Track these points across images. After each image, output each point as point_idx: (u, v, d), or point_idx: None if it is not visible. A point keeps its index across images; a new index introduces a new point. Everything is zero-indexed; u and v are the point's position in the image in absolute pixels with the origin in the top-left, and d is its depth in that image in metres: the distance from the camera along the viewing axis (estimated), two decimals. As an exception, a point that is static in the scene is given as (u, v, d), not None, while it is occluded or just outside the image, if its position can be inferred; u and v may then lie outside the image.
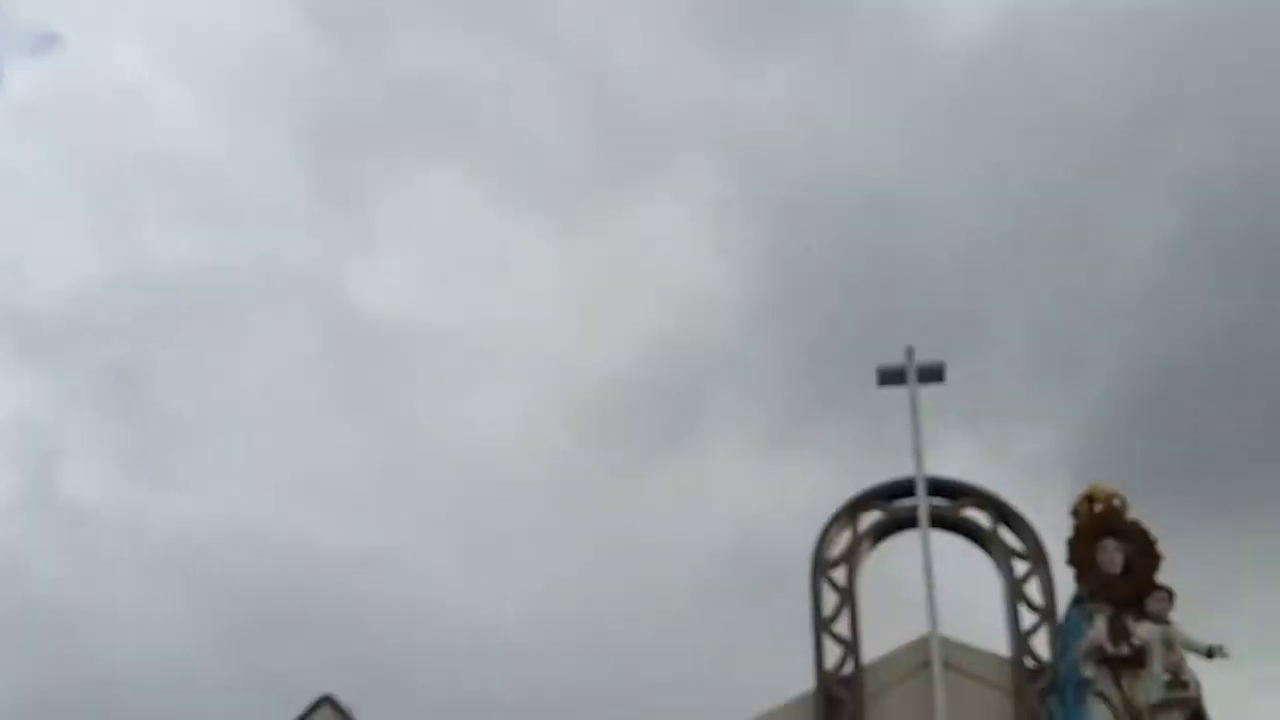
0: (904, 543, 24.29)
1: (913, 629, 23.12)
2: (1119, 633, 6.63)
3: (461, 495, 61.60)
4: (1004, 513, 22.67)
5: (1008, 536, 22.64)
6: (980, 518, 23.11)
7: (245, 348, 59.44)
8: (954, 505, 23.54)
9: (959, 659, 21.70)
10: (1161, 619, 6.66)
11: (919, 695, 22.10)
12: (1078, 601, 6.94)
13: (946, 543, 24.09)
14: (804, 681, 22.67)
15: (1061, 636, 6.72)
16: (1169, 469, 59.00)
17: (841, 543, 23.72)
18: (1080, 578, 7.01)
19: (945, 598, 23.15)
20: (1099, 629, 6.59)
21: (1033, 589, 21.20)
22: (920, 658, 22.57)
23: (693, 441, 62.71)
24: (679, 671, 57.84)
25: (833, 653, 22.57)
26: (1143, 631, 6.59)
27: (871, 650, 23.20)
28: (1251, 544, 57.43)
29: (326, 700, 23.16)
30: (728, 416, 59.25)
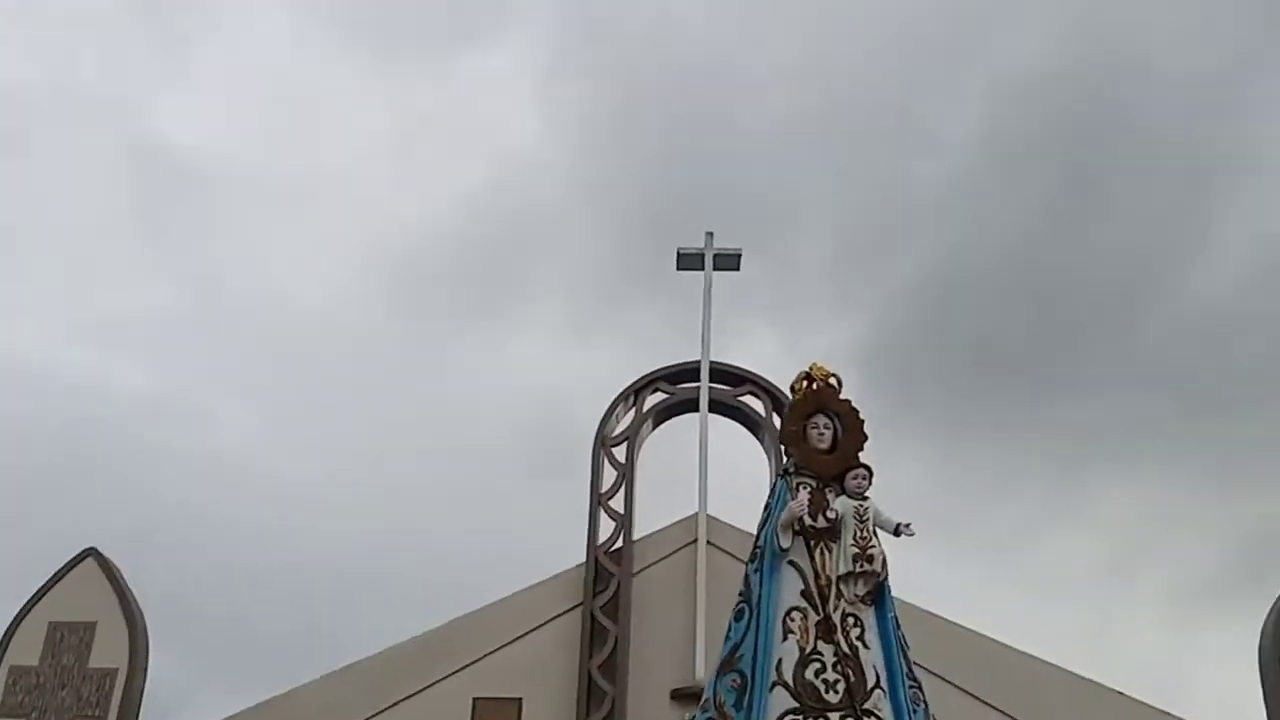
0: (686, 424, 25.08)
1: (687, 508, 24.05)
2: (818, 505, 7.04)
3: (263, 349, 60.09)
4: (778, 401, 23.53)
5: (779, 424, 23.53)
6: (757, 405, 24.02)
7: (34, 170, 55.88)
8: (733, 391, 24.33)
9: (723, 538, 22.58)
10: (858, 495, 7.10)
11: (683, 570, 23.08)
12: (785, 474, 7.36)
13: (725, 427, 25.00)
14: (580, 554, 23.37)
15: (766, 507, 7.13)
16: (956, 368, 62.39)
17: (625, 421, 24.31)
18: (790, 451, 7.41)
19: (719, 480, 24.13)
20: (800, 500, 7.00)
21: (799, 477, 22.23)
22: (688, 535, 23.52)
23: (502, 313, 62.70)
24: (466, 541, 58.65)
25: (607, 527, 23.30)
26: (839, 506, 7.02)
27: (645, 527, 24.06)
28: (1026, 447, 61.53)
29: (91, 553, 22.58)
30: (539, 290, 59.22)
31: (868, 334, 62.47)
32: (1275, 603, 24.47)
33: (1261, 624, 23.81)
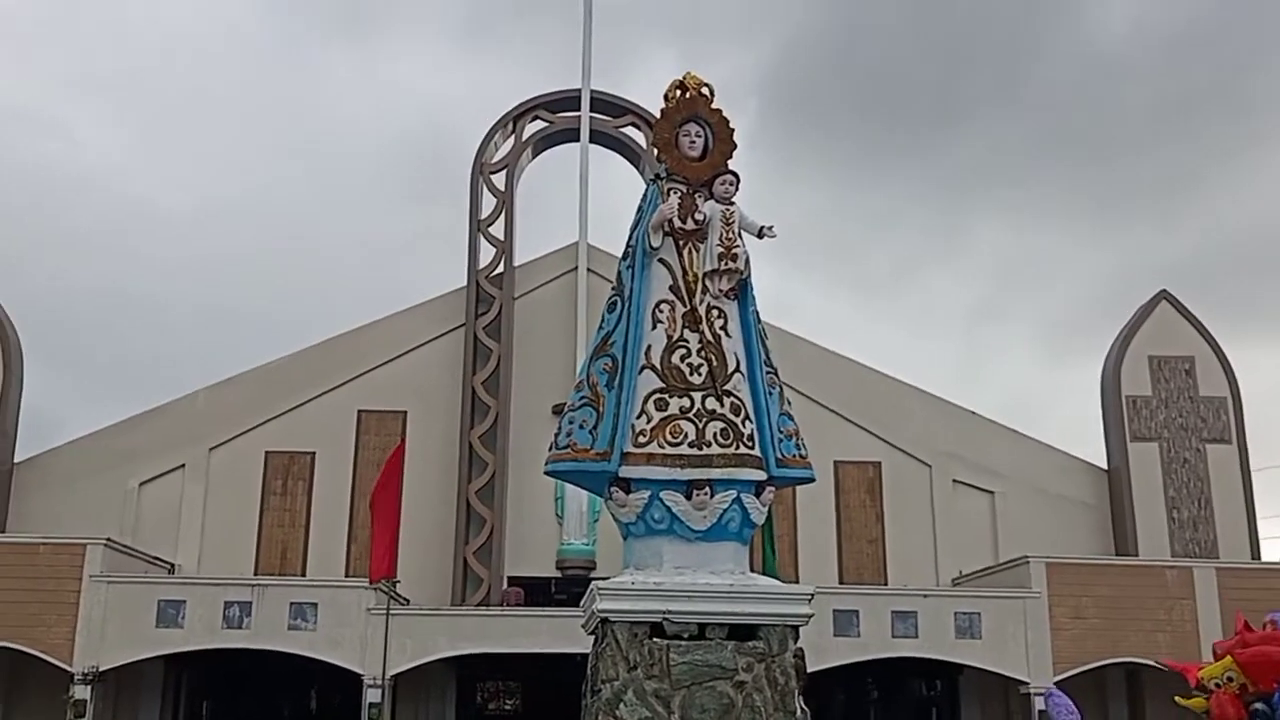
0: (567, 154, 25.16)
1: (568, 237, 24.46)
2: (687, 209, 7.47)
3: (125, 57, 57.16)
4: (659, 132, 23.62)
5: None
6: (638, 136, 24.15)
7: None
8: (614, 122, 24.36)
9: (603, 266, 23.18)
10: (725, 200, 7.54)
11: (564, 296, 23.73)
12: (656, 178, 7.75)
13: (605, 158, 25.16)
14: (461, 279, 23.76)
15: (638, 211, 7.56)
16: (853, 102, 62.80)
17: (505, 149, 24.27)
18: (661, 157, 7.78)
19: (599, 210, 24.52)
20: (671, 203, 7.41)
21: (678, 205, 22.66)
22: (569, 263, 24.05)
23: (384, 21, 60.44)
24: (346, 263, 58.43)
25: (488, 253, 23.66)
26: (707, 209, 7.47)
27: (526, 254, 24.48)
28: (913, 179, 62.87)
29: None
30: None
31: (769, 64, 62.23)
32: (1116, 337, 26.41)
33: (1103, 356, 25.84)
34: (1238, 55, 55.68)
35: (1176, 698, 10.87)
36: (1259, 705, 9.85)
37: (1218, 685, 10.14)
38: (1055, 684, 17.75)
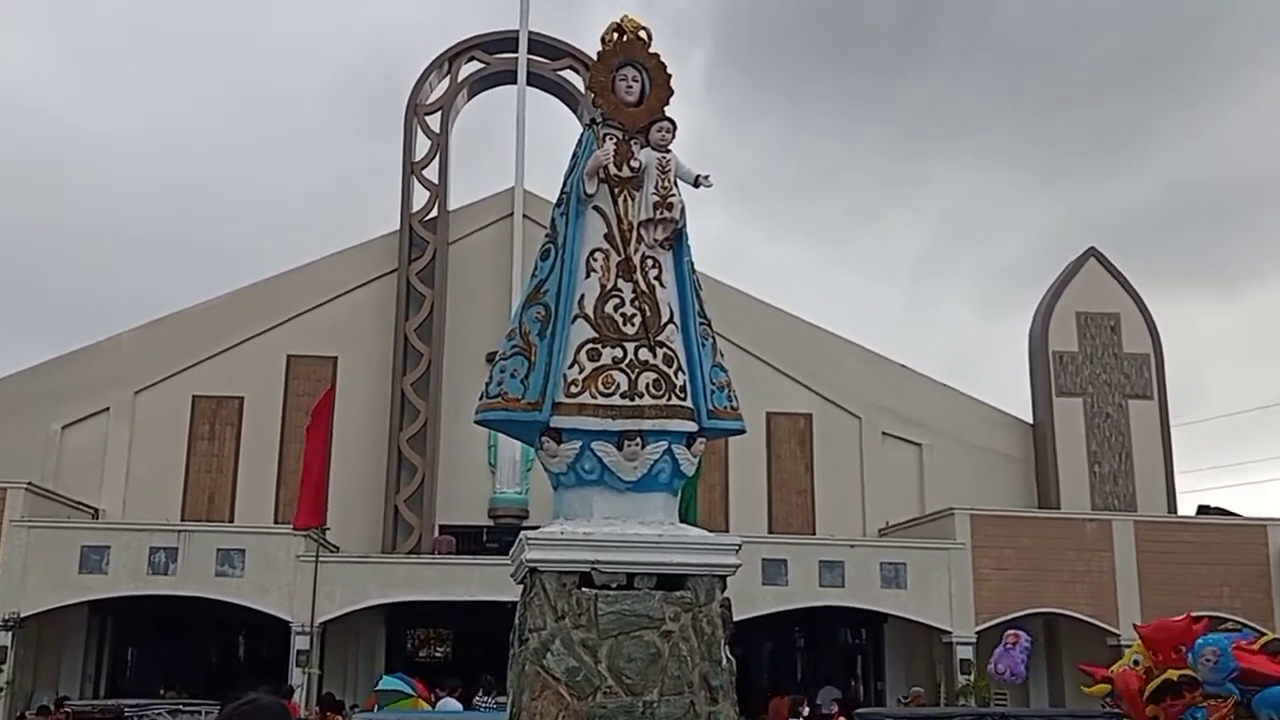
0: (504, 96, 24.81)
1: (504, 182, 24.19)
2: (623, 155, 7.34)
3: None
4: (598, 77, 23.33)
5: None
6: (576, 80, 23.87)
7: None
8: (553, 65, 24.04)
9: (539, 212, 22.96)
10: (662, 147, 7.42)
11: (499, 242, 23.51)
12: (592, 124, 7.59)
13: (543, 101, 24.85)
14: (393, 222, 23.44)
15: (573, 156, 7.42)
16: (808, 45, 62.53)
17: (440, 90, 23.87)
18: (597, 101, 7.62)
19: (536, 155, 24.23)
20: (606, 149, 7.27)
21: (615, 153, 22.49)
22: (504, 209, 23.81)
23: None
24: (279, 201, 57.37)
25: (422, 196, 23.33)
26: (643, 156, 7.34)
27: (461, 198, 24.18)
28: (868, 120, 62.79)
29: None
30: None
31: (719, 4, 61.60)
32: (1045, 293, 26.74)
33: (1033, 310, 26.17)
34: (1191, 14, 56.31)
35: (1083, 688, 10.99)
36: None
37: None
38: (1023, 630, 17.78)
